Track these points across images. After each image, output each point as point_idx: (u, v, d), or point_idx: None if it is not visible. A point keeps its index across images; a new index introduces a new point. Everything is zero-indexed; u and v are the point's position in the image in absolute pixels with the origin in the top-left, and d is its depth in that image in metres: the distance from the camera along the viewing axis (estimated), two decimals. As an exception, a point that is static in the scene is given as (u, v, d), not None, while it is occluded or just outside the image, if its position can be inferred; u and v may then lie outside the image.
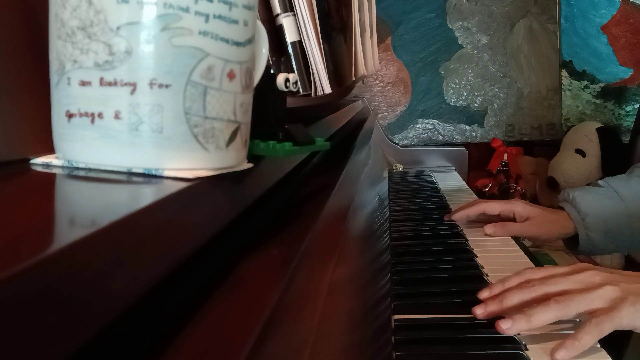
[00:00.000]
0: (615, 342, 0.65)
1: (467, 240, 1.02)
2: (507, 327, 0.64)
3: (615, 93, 2.02)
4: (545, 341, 0.65)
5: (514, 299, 0.67)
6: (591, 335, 0.61)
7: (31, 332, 0.17)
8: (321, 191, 0.58)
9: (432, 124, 2.10)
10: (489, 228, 1.05)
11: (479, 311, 0.68)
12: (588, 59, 2.02)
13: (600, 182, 1.10)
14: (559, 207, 1.10)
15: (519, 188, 2.00)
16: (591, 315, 0.63)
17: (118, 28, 0.29)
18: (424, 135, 2.10)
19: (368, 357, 0.55)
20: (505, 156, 2.03)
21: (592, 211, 1.04)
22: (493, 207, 1.08)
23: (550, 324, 0.65)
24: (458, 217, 1.11)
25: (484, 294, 0.71)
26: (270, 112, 0.41)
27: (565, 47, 2.03)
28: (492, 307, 0.68)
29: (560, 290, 0.66)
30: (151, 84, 0.29)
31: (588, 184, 1.14)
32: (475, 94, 2.08)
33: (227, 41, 0.31)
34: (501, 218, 1.09)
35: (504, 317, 0.65)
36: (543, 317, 0.64)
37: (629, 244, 1.07)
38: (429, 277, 0.84)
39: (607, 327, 0.61)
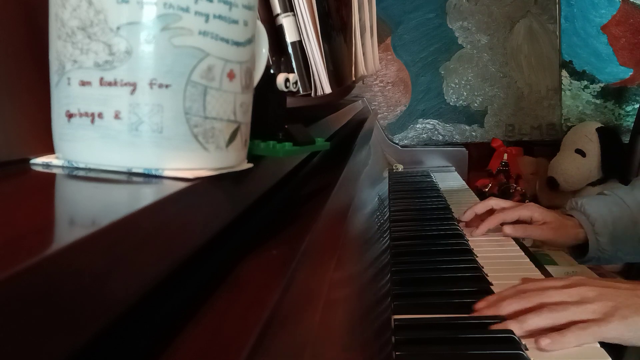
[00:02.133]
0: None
1: (467, 240, 1.02)
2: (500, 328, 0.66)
3: (615, 93, 2.02)
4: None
5: (509, 307, 0.70)
6: (575, 336, 0.64)
7: (31, 332, 0.17)
8: (321, 191, 0.58)
9: (432, 124, 2.10)
10: (508, 228, 1.05)
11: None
12: (588, 59, 2.02)
13: (605, 191, 1.13)
14: (568, 215, 1.11)
15: (519, 188, 2.00)
16: (582, 322, 0.66)
17: (118, 28, 0.29)
18: (424, 135, 2.10)
19: (368, 357, 0.55)
20: (505, 156, 2.03)
21: (600, 216, 1.05)
22: (511, 216, 1.08)
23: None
24: (479, 231, 1.09)
25: (480, 305, 0.72)
26: (270, 112, 0.41)
27: (565, 47, 2.03)
28: (487, 313, 0.70)
29: (555, 301, 0.69)
30: (151, 84, 0.29)
31: (598, 194, 1.16)
32: (475, 94, 2.08)
33: (227, 41, 0.31)
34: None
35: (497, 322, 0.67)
36: (535, 322, 0.66)
37: (634, 250, 1.08)
38: (429, 277, 0.84)
39: (592, 334, 0.64)
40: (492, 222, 1.08)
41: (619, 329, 0.65)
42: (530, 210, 1.08)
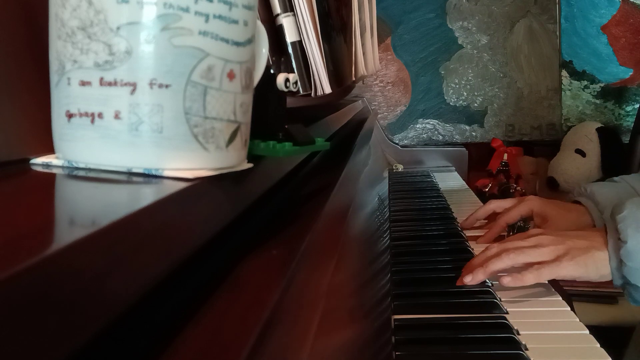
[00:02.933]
0: (615, 342, 0.66)
1: (467, 240, 1.02)
2: (468, 280, 0.78)
3: (615, 93, 2.02)
4: (545, 342, 0.65)
5: (477, 262, 0.81)
6: (533, 276, 0.76)
7: (31, 332, 0.17)
8: (321, 191, 0.58)
9: (432, 124, 2.10)
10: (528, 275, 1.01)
11: (467, 279, 0.78)
12: (588, 59, 2.02)
13: (615, 178, 1.10)
14: (575, 201, 1.09)
15: (519, 188, 2.00)
16: (536, 264, 0.77)
17: (118, 28, 0.29)
18: (424, 135, 2.10)
19: (368, 357, 0.55)
20: (505, 156, 2.03)
21: (610, 204, 1.03)
22: (513, 217, 1.06)
23: (548, 323, 0.68)
24: (485, 240, 1.06)
25: (460, 280, 0.80)
26: (270, 112, 0.41)
27: (565, 47, 2.03)
28: (466, 280, 0.79)
29: (515, 247, 0.80)
30: (151, 84, 0.29)
31: (607, 180, 1.13)
32: (475, 94, 2.08)
33: (227, 41, 0.31)
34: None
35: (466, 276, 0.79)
36: (496, 265, 0.78)
37: None
38: (429, 277, 0.84)
39: (546, 273, 0.77)
40: (497, 229, 1.06)
41: (569, 267, 0.76)
42: (529, 205, 1.06)
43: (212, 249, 0.35)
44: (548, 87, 2.06)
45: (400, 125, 2.10)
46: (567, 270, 0.76)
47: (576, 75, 2.03)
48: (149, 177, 0.30)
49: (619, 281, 0.77)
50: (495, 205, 1.10)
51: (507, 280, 0.76)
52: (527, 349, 0.63)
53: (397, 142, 2.08)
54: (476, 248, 0.98)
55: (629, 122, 2.00)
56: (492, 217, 1.10)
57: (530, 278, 0.76)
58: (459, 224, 1.12)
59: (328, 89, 0.66)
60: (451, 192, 1.51)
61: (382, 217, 1.10)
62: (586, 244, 0.79)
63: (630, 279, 0.75)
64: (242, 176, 0.36)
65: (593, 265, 0.77)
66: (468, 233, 1.08)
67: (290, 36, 0.63)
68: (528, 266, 0.79)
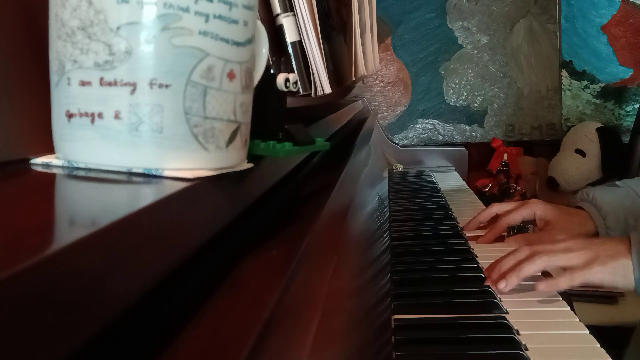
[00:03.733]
0: (615, 342, 0.66)
1: (467, 240, 1.02)
2: (502, 286, 0.77)
3: (615, 93, 2.02)
4: (545, 342, 0.65)
5: (508, 265, 0.80)
6: (566, 280, 0.76)
7: (31, 332, 0.17)
8: (321, 191, 0.58)
9: (432, 124, 2.10)
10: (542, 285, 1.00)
11: (502, 285, 0.78)
12: (588, 59, 2.02)
13: (618, 182, 1.10)
14: (577, 207, 1.09)
15: (519, 188, 2.00)
16: (568, 269, 0.78)
17: (118, 28, 0.29)
18: (424, 135, 2.10)
19: (368, 357, 0.55)
20: (505, 156, 2.02)
21: (612, 210, 1.03)
22: (515, 219, 1.06)
23: (548, 323, 0.68)
24: (485, 240, 1.06)
25: (488, 280, 0.80)
26: (270, 112, 0.41)
27: (565, 47, 2.03)
28: (497, 281, 0.79)
29: (547, 250, 0.80)
30: (151, 84, 0.29)
31: (609, 184, 1.13)
32: (475, 94, 2.08)
33: (227, 41, 0.31)
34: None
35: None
36: (530, 269, 0.78)
37: None
38: (429, 277, 0.84)
39: (578, 278, 0.76)
40: (498, 230, 1.06)
41: (600, 273, 0.77)
42: (532, 209, 1.06)
43: (212, 249, 0.35)
44: (548, 87, 2.06)
45: (400, 125, 2.10)
46: (598, 276, 0.77)
47: (576, 75, 2.03)
48: (149, 177, 0.30)
49: None
50: (497, 208, 1.09)
51: (543, 286, 0.76)
52: (527, 349, 0.63)
53: (397, 142, 2.08)
54: (476, 248, 0.98)
55: (629, 122, 2.00)
56: (494, 220, 1.10)
57: (564, 283, 0.76)
58: (459, 224, 1.12)
59: (328, 89, 0.66)
60: (451, 192, 1.51)
61: (382, 217, 1.10)
62: (613, 251, 0.79)
63: None
64: (242, 176, 0.36)
65: (622, 272, 0.78)
66: (468, 233, 1.08)
67: (290, 36, 0.63)
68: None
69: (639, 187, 1.06)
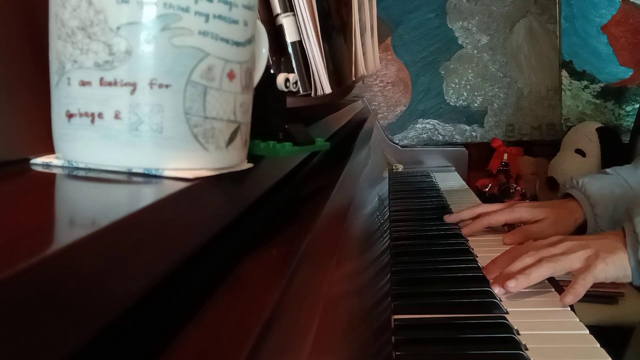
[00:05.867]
0: (615, 342, 0.66)
1: (467, 240, 1.02)
2: (512, 285, 0.77)
3: (615, 93, 2.02)
4: (545, 342, 0.65)
5: (515, 267, 0.81)
6: (581, 287, 0.77)
7: (31, 332, 0.17)
8: (321, 191, 0.58)
9: (432, 124, 2.10)
10: (507, 238, 1.03)
11: (512, 284, 0.78)
12: (588, 59, 2.01)
13: (608, 170, 1.08)
14: (566, 194, 1.08)
15: (519, 188, 2.00)
16: (575, 273, 0.79)
17: (118, 28, 0.29)
18: (424, 135, 2.10)
19: (368, 357, 0.55)
20: (505, 156, 2.02)
21: (601, 198, 1.02)
22: (497, 219, 1.06)
23: (548, 323, 0.69)
24: (468, 231, 1.07)
25: (492, 282, 0.80)
26: (270, 112, 0.41)
27: (565, 47, 2.03)
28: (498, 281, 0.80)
29: (549, 254, 0.82)
30: (151, 84, 0.29)
31: (600, 172, 1.12)
32: (475, 94, 2.08)
33: (227, 41, 0.31)
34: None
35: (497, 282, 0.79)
36: (540, 273, 0.79)
37: None
38: (429, 277, 0.84)
39: (590, 280, 0.77)
40: (475, 226, 1.06)
41: (604, 270, 0.79)
42: (517, 213, 1.05)
43: (212, 248, 0.35)
44: (548, 87, 2.06)
45: (400, 125, 2.10)
46: (604, 273, 0.79)
47: (576, 75, 2.03)
48: (149, 177, 0.30)
49: (638, 281, 0.80)
50: (482, 209, 1.09)
51: (569, 299, 0.75)
52: (527, 349, 0.63)
53: (397, 142, 2.08)
54: (476, 248, 0.98)
55: (629, 122, 2.00)
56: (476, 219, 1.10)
57: (581, 289, 0.77)
58: (459, 225, 1.12)
59: (328, 89, 0.66)
60: (451, 192, 1.51)
61: (382, 217, 1.10)
62: (610, 245, 0.81)
63: None
64: (242, 176, 0.36)
65: (621, 265, 0.80)
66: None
67: (290, 36, 0.63)
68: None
69: (630, 175, 1.05)
